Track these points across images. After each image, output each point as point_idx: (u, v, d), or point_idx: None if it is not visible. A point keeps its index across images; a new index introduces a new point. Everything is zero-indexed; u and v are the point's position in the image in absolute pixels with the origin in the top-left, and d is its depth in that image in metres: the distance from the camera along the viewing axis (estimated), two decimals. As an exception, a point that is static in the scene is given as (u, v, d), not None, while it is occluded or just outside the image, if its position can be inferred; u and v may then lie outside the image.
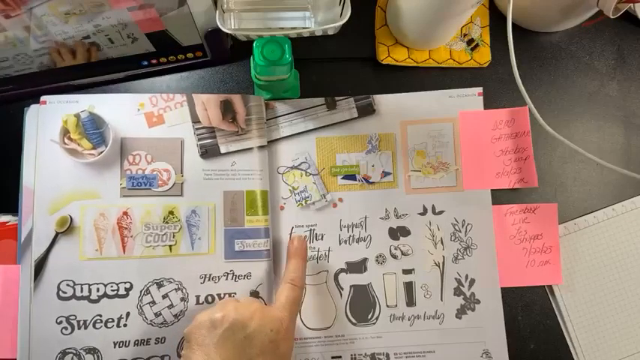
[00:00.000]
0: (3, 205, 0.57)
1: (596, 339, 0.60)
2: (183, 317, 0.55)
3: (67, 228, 0.54)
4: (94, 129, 0.56)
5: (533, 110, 0.57)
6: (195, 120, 0.58)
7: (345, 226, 0.60)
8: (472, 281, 0.60)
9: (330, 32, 0.60)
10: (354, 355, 0.58)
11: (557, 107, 0.64)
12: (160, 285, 0.55)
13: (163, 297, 0.55)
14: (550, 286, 0.61)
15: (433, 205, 0.61)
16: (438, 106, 0.62)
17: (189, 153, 0.57)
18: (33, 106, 0.56)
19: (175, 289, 0.55)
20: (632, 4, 0.63)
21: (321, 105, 0.61)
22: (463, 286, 0.60)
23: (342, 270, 0.59)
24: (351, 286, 0.59)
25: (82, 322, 0.54)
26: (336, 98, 0.61)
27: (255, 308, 0.49)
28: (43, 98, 0.56)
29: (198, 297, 0.56)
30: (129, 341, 0.54)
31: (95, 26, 0.52)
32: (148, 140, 0.57)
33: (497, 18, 0.64)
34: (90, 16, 0.51)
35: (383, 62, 0.62)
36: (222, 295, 0.56)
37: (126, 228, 0.55)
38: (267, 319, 0.48)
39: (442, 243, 0.60)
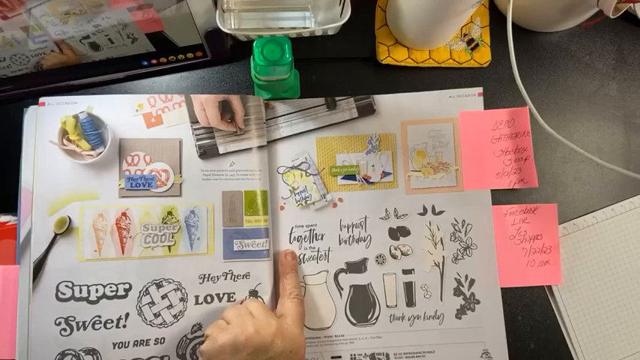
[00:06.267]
0: (2, 205, 0.57)
1: (596, 339, 0.60)
2: (182, 317, 0.55)
3: (65, 229, 0.54)
4: (92, 130, 0.55)
5: (533, 110, 0.57)
6: (194, 120, 0.58)
7: (345, 226, 0.60)
8: (472, 281, 0.60)
9: (330, 32, 0.60)
10: (354, 355, 0.58)
11: (557, 107, 0.64)
12: (159, 285, 0.55)
13: (162, 297, 0.55)
14: (550, 286, 0.61)
15: (433, 206, 0.61)
16: (438, 106, 0.62)
17: (188, 153, 0.57)
18: (32, 108, 0.56)
19: (174, 289, 0.55)
20: (632, 4, 0.62)
21: (321, 105, 0.61)
22: (463, 287, 0.60)
23: (342, 270, 0.59)
24: (351, 286, 0.59)
25: (81, 323, 0.53)
26: (336, 98, 0.61)
27: (275, 328, 0.49)
28: (41, 100, 0.56)
29: (197, 297, 0.55)
30: (128, 342, 0.54)
31: (95, 26, 0.52)
32: (147, 141, 0.57)
33: (497, 18, 0.64)
34: (90, 16, 0.50)
35: (383, 62, 0.62)
36: (221, 295, 0.56)
37: (125, 229, 0.55)
38: (288, 341, 0.49)
39: (442, 243, 0.60)
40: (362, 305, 0.59)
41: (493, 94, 0.63)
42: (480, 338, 0.59)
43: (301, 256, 0.59)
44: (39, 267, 0.53)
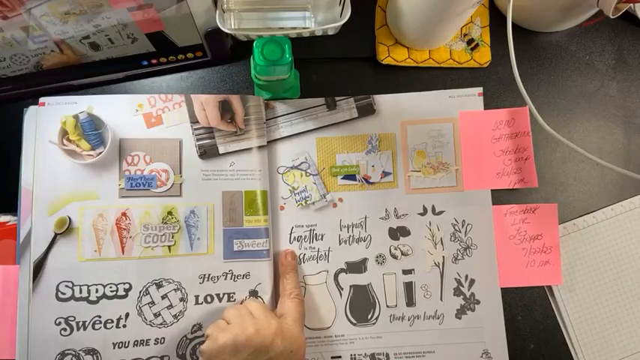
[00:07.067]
0: (2, 205, 0.57)
1: (596, 339, 0.60)
2: (182, 317, 0.55)
3: (65, 229, 0.54)
4: (92, 130, 0.55)
5: (533, 110, 0.57)
6: (194, 120, 0.58)
7: (345, 226, 0.60)
8: (472, 281, 0.60)
9: (330, 32, 0.60)
10: (354, 355, 0.58)
11: (557, 107, 0.64)
12: (159, 285, 0.55)
13: (162, 297, 0.55)
14: (550, 286, 0.61)
15: (433, 205, 0.61)
16: (438, 106, 0.62)
17: (188, 153, 0.57)
18: (32, 108, 0.56)
19: (174, 289, 0.55)
20: (632, 4, 0.62)
21: (321, 105, 0.61)
22: (463, 287, 0.60)
23: (342, 270, 0.59)
24: (351, 286, 0.59)
25: (81, 323, 0.53)
26: (336, 98, 0.61)
27: (275, 328, 0.49)
28: (41, 100, 0.56)
29: (197, 297, 0.55)
30: (128, 342, 0.54)
31: (95, 26, 0.52)
32: (147, 141, 0.57)
33: (497, 18, 0.64)
34: (90, 16, 0.51)
35: (383, 62, 0.62)
36: (221, 295, 0.56)
37: (125, 229, 0.55)
38: (288, 341, 0.49)
39: (442, 243, 0.60)
40: (362, 305, 0.59)
41: (493, 94, 0.63)
42: (480, 338, 0.59)
43: (301, 256, 0.59)
44: (39, 267, 0.53)
